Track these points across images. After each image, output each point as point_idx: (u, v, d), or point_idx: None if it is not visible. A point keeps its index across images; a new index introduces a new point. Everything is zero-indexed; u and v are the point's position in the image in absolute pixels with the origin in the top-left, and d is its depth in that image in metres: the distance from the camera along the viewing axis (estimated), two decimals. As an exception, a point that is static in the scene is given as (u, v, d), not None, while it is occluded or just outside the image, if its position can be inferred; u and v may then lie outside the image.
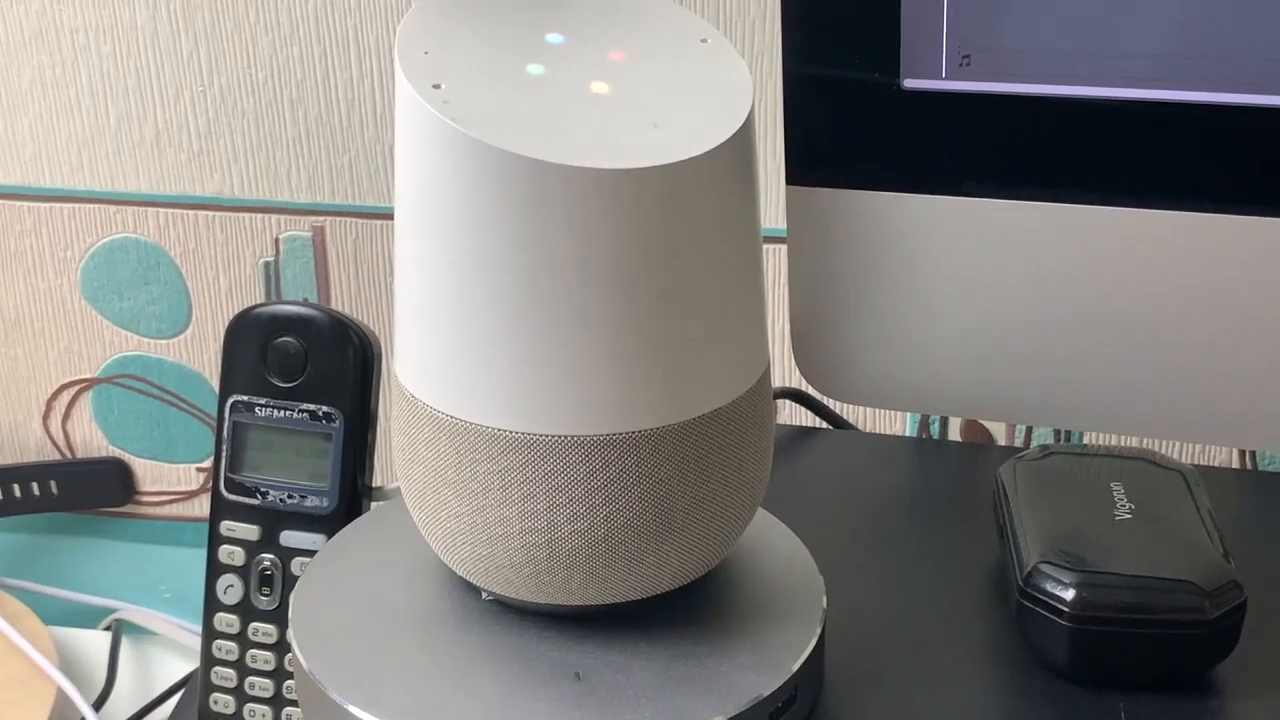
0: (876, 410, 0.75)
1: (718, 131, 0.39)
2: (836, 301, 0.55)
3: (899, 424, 0.75)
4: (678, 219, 0.39)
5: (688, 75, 0.41)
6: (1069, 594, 0.45)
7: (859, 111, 0.51)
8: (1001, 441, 0.75)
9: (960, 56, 0.49)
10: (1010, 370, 0.54)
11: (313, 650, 0.43)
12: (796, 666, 0.43)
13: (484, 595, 0.44)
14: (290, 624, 0.45)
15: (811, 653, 0.43)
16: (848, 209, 0.53)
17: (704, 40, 0.42)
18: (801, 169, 0.53)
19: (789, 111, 0.52)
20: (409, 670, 0.43)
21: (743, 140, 0.40)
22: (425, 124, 0.38)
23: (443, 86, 0.39)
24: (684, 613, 0.44)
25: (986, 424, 0.75)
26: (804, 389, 0.67)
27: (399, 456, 0.44)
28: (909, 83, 0.50)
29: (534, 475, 0.40)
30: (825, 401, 0.68)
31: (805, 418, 0.71)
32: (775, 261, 0.73)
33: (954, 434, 0.75)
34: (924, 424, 0.75)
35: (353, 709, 0.41)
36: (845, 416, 0.70)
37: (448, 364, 0.40)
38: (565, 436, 0.40)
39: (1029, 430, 0.73)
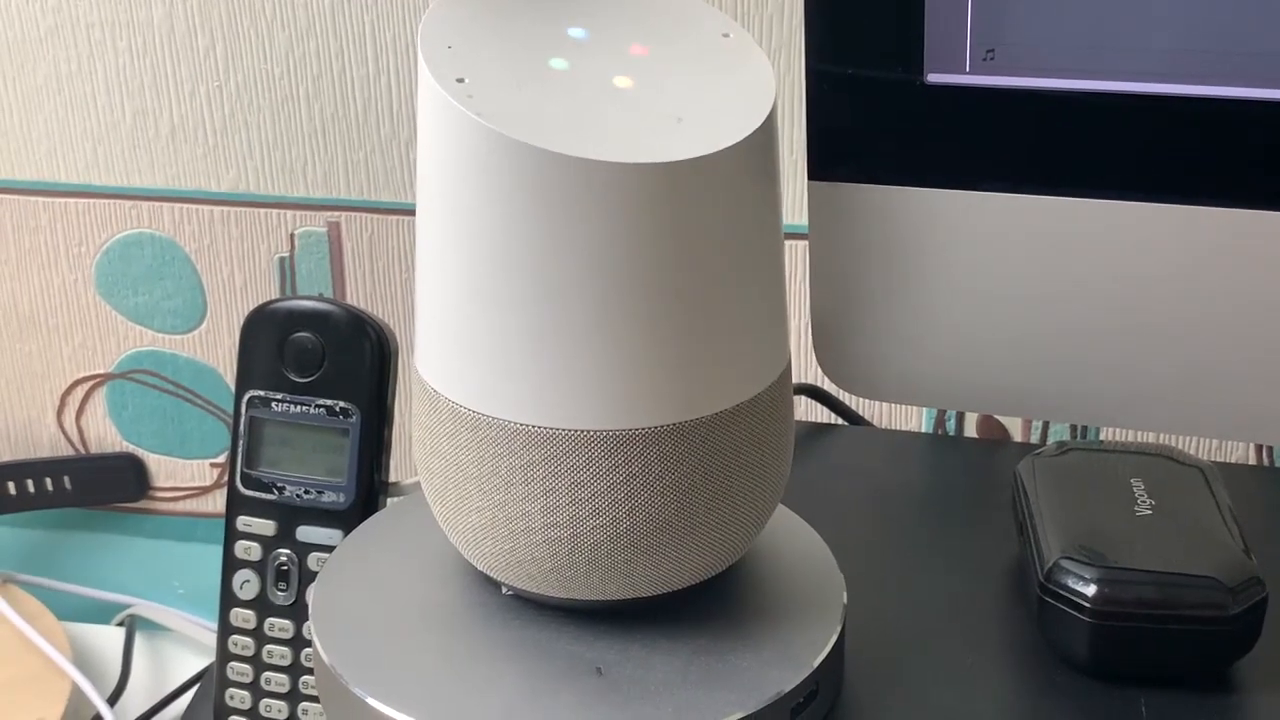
0: (891, 406, 0.74)
1: (741, 126, 0.39)
2: (858, 297, 0.55)
3: (914, 420, 0.75)
4: (700, 214, 0.39)
5: (710, 70, 0.41)
6: (1090, 590, 0.45)
7: (882, 106, 0.51)
8: (1018, 438, 0.74)
9: (984, 50, 0.49)
10: (1030, 366, 0.54)
11: (334, 644, 0.43)
12: (818, 662, 0.43)
13: (504, 590, 0.44)
14: (311, 618, 0.45)
15: (832, 648, 0.43)
16: (870, 204, 0.53)
17: (726, 35, 0.42)
18: (823, 164, 0.53)
19: (811, 106, 0.52)
20: (430, 664, 0.43)
21: (765, 135, 0.40)
22: (449, 118, 0.38)
23: (467, 81, 0.39)
24: (705, 608, 0.44)
25: (1003, 420, 0.74)
26: (819, 385, 0.67)
27: (419, 451, 0.44)
28: (932, 77, 0.50)
29: (556, 470, 0.40)
30: (841, 397, 0.68)
31: (820, 414, 0.71)
32: (795, 257, 0.72)
33: (969, 430, 0.75)
34: (940, 420, 0.75)
35: (374, 703, 0.41)
36: (860, 412, 0.70)
37: (470, 359, 0.40)
38: (588, 431, 0.40)
39: (1045, 426, 0.73)
